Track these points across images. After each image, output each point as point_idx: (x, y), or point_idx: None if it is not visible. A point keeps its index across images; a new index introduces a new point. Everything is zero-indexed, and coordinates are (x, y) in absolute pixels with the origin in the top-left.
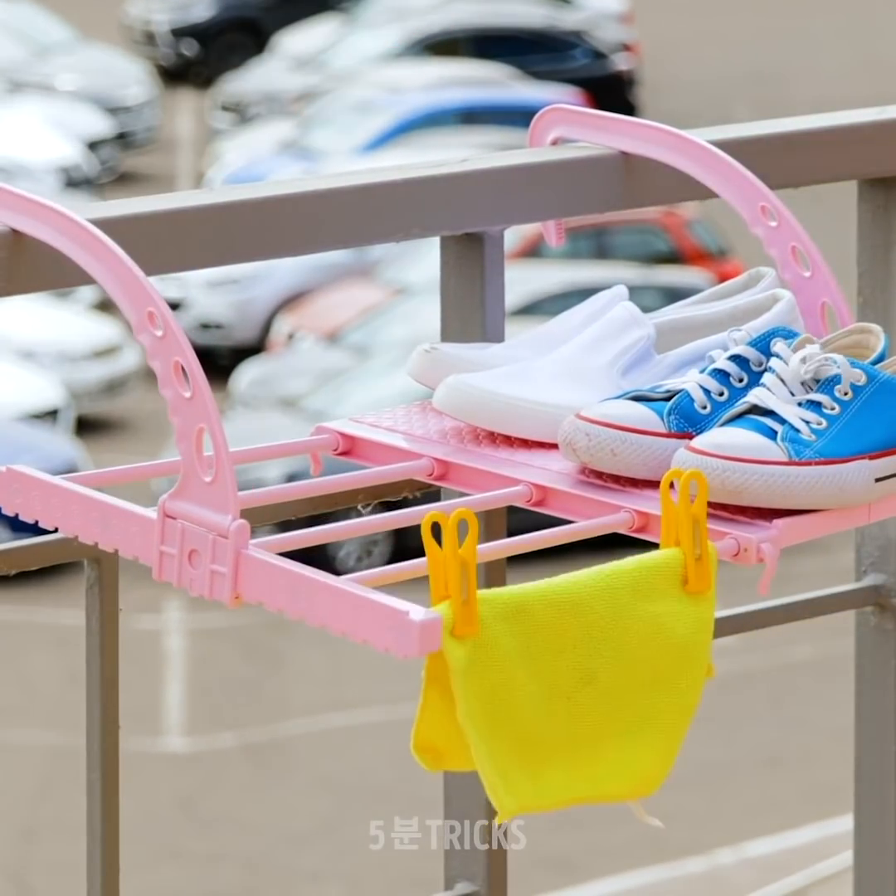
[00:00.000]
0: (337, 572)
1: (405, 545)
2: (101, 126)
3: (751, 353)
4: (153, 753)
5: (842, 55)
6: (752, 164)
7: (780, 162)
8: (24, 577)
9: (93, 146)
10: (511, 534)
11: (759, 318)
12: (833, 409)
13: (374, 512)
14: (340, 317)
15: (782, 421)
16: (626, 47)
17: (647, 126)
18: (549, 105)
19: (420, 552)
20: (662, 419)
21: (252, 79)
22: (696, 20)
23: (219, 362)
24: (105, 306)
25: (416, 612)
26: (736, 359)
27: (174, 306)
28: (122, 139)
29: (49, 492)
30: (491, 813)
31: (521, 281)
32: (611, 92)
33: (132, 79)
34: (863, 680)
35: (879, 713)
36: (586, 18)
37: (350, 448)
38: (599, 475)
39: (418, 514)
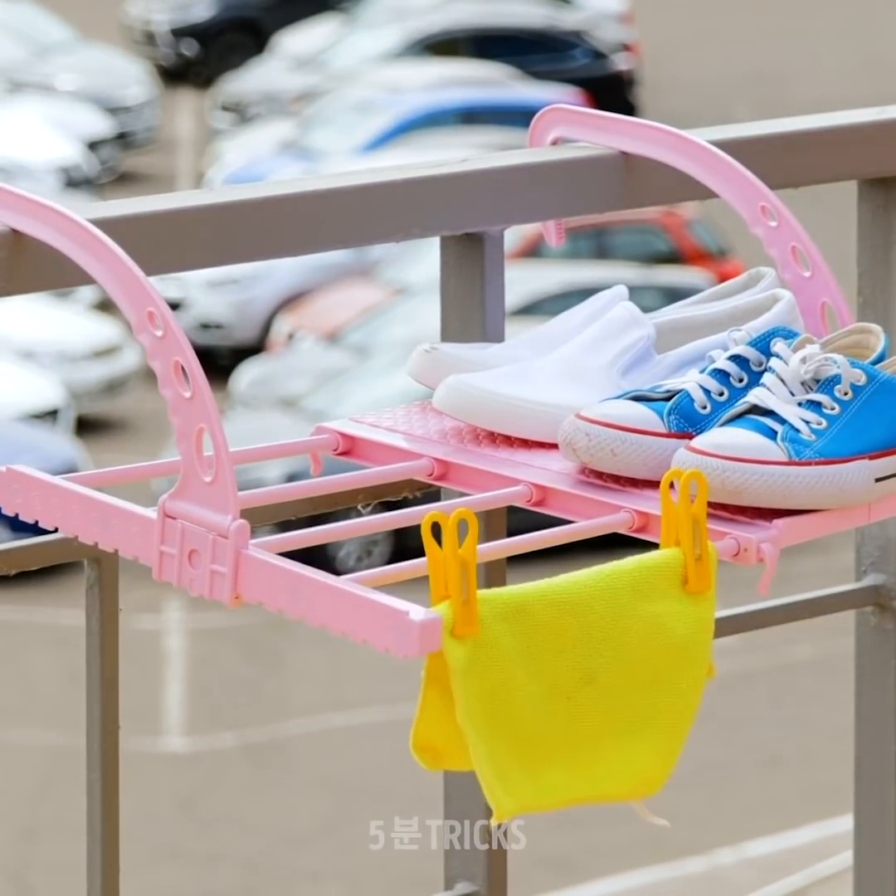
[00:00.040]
0: (337, 572)
1: (405, 545)
2: (101, 126)
3: (751, 353)
4: (153, 753)
5: (842, 55)
6: (752, 164)
7: (780, 162)
8: (24, 577)
9: (93, 146)
10: (511, 534)
11: (759, 318)
12: (833, 409)
13: (374, 512)
14: (340, 317)
15: (782, 421)
16: (626, 47)
17: (647, 126)
18: (549, 105)
19: (420, 552)
20: (662, 419)
21: (252, 79)
22: (696, 20)
23: (219, 362)
24: (105, 306)
25: (416, 612)
26: (736, 359)
27: (174, 306)
28: (122, 139)
29: (49, 492)
30: (491, 813)
31: (521, 281)
32: (611, 92)
33: (132, 79)
34: (863, 680)
35: (879, 713)
36: (586, 18)
37: (350, 448)
38: (599, 475)
39: (418, 514)
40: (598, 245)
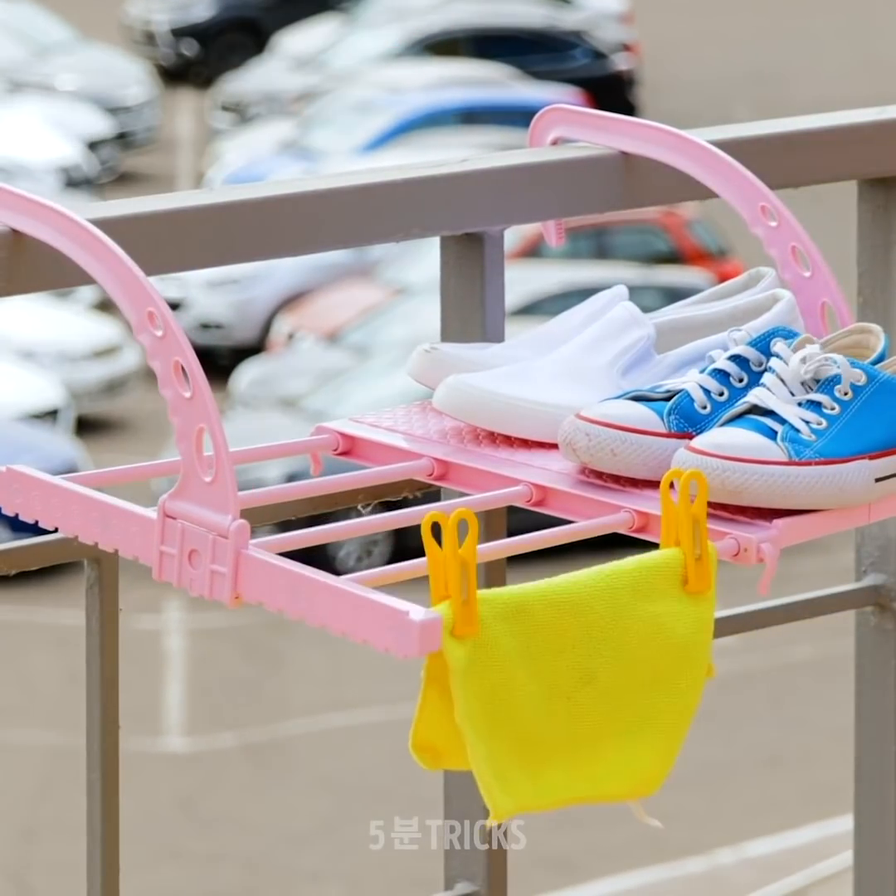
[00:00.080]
0: (337, 572)
1: (405, 545)
2: (101, 126)
3: (751, 353)
4: (153, 753)
5: (842, 55)
6: (752, 164)
7: (780, 162)
8: (24, 577)
9: (93, 146)
10: (511, 534)
11: (759, 318)
12: (833, 409)
13: (374, 512)
14: (340, 317)
15: (782, 421)
16: (626, 47)
17: (647, 126)
18: (549, 105)
19: (420, 552)
20: (662, 419)
21: (252, 79)
22: (696, 20)
23: (219, 362)
24: (105, 306)
25: (416, 612)
26: (736, 359)
27: (174, 306)
28: (122, 139)
29: (49, 492)
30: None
31: (521, 281)
32: (611, 92)
33: (132, 79)
34: (863, 680)
35: (879, 713)
36: (586, 18)
37: (350, 448)
38: (599, 475)
39: (418, 514)
40: (598, 245)
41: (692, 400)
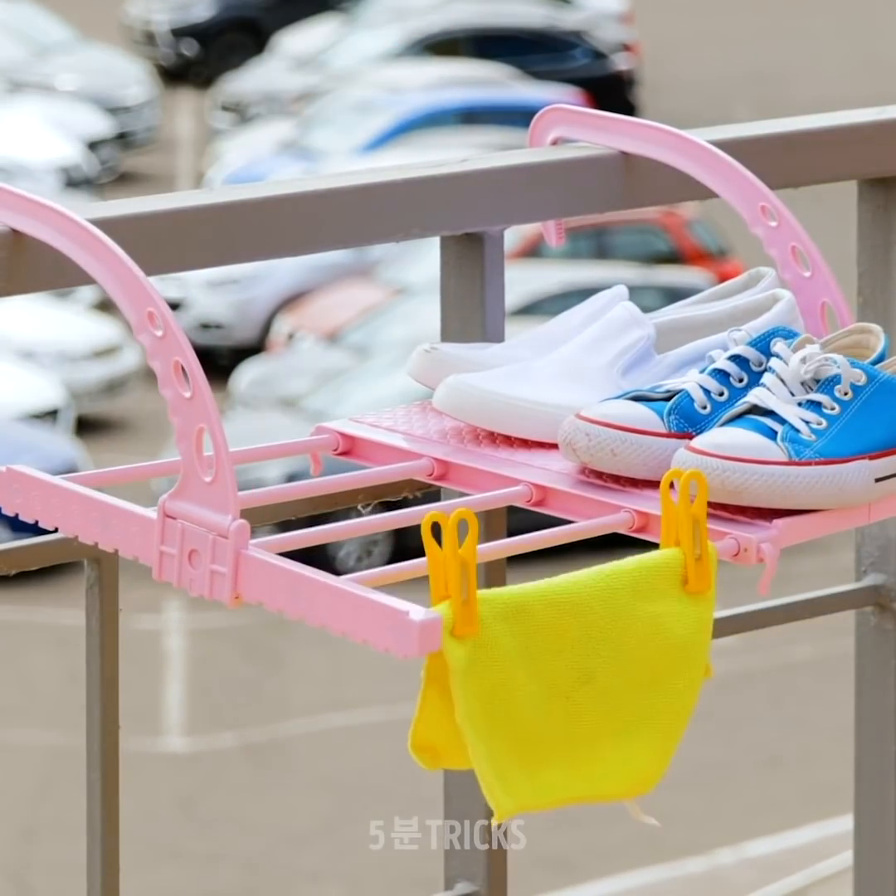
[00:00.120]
0: (337, 572)
1: (405, 545)
2: (101, 126)
3: (751, 353)
4: (153, 753)
5: (842, 55)
6: (752, 164)
7: (780, 162)
8: (24, 577)
9: (93, 146)
10: (511, 534)
11: (759, 318)
12: (833, 409)
13: (374, 512)
14: (340, 317)
15: (782, 421)
16: (626, 47)
17: (647, 126)
18: (549, 105)
19: (420, 552)
20: (662, 419)
21: (252, 79)
22: (696, 20)
23: (219, 362)
24: (105, 306)
25: (416, 612)
26: (736, 359)
27: (174, 306)
28: (122, 139)
29: (49, 492)
30: (491, 813)
31: (521, 281)
32: (611, 92)
33: (132, 79)
34: (863, 680)
35: (879, 713)
36: (586, 18)
37: (350, 448)
38: (599, 475)
39: (418, 514)
40: (598, 245)
41: (692, 400)
